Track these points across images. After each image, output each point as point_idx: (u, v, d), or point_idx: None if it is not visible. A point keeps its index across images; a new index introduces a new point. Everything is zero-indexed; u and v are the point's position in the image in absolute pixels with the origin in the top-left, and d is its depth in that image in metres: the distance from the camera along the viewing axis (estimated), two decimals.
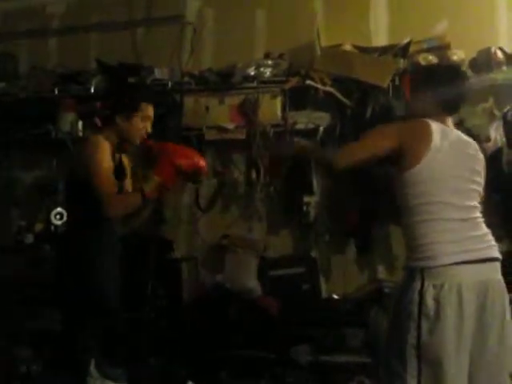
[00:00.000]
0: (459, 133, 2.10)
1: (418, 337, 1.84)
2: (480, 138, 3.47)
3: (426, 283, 1.86)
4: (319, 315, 3.51)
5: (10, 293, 3.70)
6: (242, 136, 3.86)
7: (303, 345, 3.44)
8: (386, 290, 3.62)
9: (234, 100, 3.89)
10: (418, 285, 1.87)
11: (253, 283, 3.75)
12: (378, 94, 3.60)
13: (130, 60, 4.14)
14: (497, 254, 1.98)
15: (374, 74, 3.56)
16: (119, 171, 2.39)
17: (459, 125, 3.49)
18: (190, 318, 3.60)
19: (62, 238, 2.52)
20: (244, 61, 3.92)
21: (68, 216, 2.56)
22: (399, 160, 1.95)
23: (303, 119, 3.79)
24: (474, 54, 3.59)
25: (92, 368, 2.24)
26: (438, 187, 1.93)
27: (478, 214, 2.02)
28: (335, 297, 3.75)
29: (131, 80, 3.92)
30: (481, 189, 2.07)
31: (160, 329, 3.54)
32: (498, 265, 1.98)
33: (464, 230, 1.93)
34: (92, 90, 4.05)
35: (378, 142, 1.98)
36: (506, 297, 1.97)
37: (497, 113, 3.46)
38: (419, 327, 1.84)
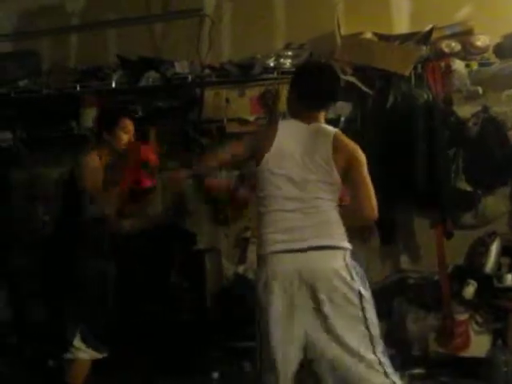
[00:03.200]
0: (316, 125, 2.20)
1: (258, 315, 2.13)
2: (505, 125, 3.43)
3: (258, 269, 2.14)
4: None
5: (37, 287, 3.77)
6: None
7: None
8: (410, 281, 3.59)
9: (254, 91, 3.88)
10: (256, 269, 2.18)
11: None
12: (399, 82, 3.55)
13: (150, 54, 4.16)
14: (325, 242, 2.09)
15: (396, 62, 3.51)
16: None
17: (484, 112, 3.46)
18: (213, 309, 3.62)
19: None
20: (264, 52, 3.90)
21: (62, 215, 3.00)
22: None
23: None
24: (498, 39, 3.52)
25: (77, 340, 2.64)
26: (267, 182, 2.14)
27: (318, 204, 2.11)
28: None
29: (151, 74, 3.95)
30: (330, 179, 2.13)
31: (184, 320, 3.56)
32: (324, 253, 2.08)
33: (290, 220, 2.10)
34: (113, 85, 4.08)
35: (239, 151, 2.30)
36: (336, 280, 2.07)
37: None
38: (258, 307, 2.12)
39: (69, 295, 2.73)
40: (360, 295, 2.07)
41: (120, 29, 4.40)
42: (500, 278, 3.33)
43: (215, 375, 3.43)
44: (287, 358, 2.05)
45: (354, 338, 2.03)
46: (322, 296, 2.04)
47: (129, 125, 2.89)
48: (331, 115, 3.70)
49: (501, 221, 3.55)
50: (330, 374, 2.03)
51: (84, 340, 2.65)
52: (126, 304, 3.05)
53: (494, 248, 3.37)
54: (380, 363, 2.02)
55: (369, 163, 2.13)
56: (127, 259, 3.53)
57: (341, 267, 2.08)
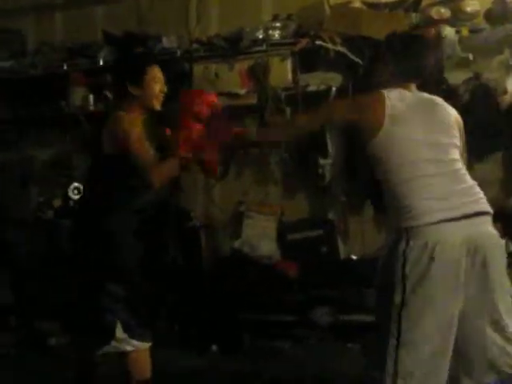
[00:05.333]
0: (419, 93, 2.09)
1: (403, 298, 1.85)
2: (497, 92, 3.42)
3: (411, 243, 1.86)
4: (338, 276, 3.53)
5: (33, 267, 3.79)
6: (253, 101, 3.83)
7: (323, 306, 3.48)
8: None
9: (243, 65, 3.84)
10: (402, 245, 1.87)
11: (271, 248, 3.78)
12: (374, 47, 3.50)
13: (137, 30, 4.10)
14: (485, 207, 1.95)
15: (385, 30, 3.44)
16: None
17: (475, 79, 3.44)
18: (210, 284, 3.65)
19: (83, 209, 2.56)
20: (252, 24, 3.86)
21: (89, 190, 2.55)
22: (363, 133, 1.99)
23: (315, 81, 3.73)
24: (488, 5, 3.49)
25: (118, 331, 2.26)
26: (406, 146, 1.94)
27: (460, 166, 1.99)
28: (353, 258, 3.76)
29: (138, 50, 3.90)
30: (458, 143, 2.03)
31: (181, 296, 3.60)
32: (487, 218, 1.95)
33: (445, 184, 1.92)
34: (101, 63, 4.04)
35: (333, 113, 2.10)
36: (500, 249, 1.96)
37: None
38: (404, 288, 1.85)
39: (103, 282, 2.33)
40: None
41: (106, 4, 4.34)
42: None
43: (214, 348, 3.48)
44: (447, 344, 1.86)
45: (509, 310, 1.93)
46: (490, 265, 1.88)
47: (159, 73, 2.36)
48: (322, 86, 3.72)
49: (493, 186, 3.57)
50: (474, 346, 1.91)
51: (126, 330, 2.27)
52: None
53: None
54: None
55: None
56: None
57: (497, 234, 1.96)
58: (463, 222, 1.87)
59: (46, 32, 4.43)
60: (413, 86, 2.09)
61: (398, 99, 1.98)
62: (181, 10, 4.09)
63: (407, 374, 1.83)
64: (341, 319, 3.45)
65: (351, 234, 3.84)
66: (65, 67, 4.11)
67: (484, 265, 1.89)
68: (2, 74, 4.18)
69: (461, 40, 3.44)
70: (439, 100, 2.10)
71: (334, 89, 3.68)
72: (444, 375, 1.86)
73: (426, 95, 2.10)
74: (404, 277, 1.85)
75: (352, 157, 3.65)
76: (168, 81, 2.43)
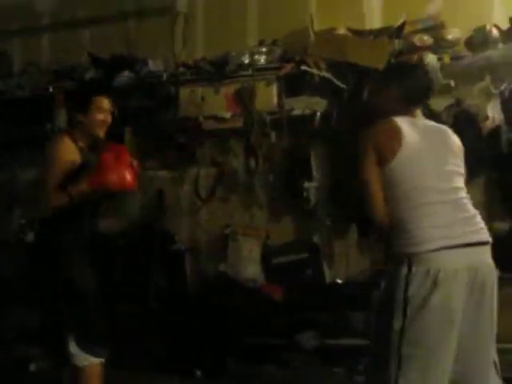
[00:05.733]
0: (427, 121, 2.13)
1: (403, 323, 1.86)
2: (478, 118, 3.48)
3: (414, 269, 1.88)
4: (323, 300, 3.52)
5: (14, 290, 3.73)
6: (239, 124, 3.85)
7: (308, 330, 3.46)
8: None
9: (229, 89, 3.87)
10: (404, 271, 1.89)
11: (255, 271, 3.76)
12: (374, 76, 3.57)
13: (123, 53, 4.12)
14: (486, 237, 1.98)
15: (370, 56, 3.54)
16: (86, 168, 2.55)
17: (457, 105, 3.50)
18: (194, 307, 3.62)
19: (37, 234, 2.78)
20: (238, 49, 3.90)
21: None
22: (379, 159, 2.00)
23: (300, 105, 3.77)
24: (469, 33, 3.57)
25: (72, 347, 2.46)
26: (416, 174, 1.96)
27: (463, 195, 2.02)
28: (338, 281, 3.76)
29: (124, 73, 3.92)
30: (462, 171, 2.07)
31: (165, 319, 3.56)
32: (487, 248, 1.98)
33: (448, 212, 1.94)
34: None
35: (370, 169, 2.01)
36: (496, 280, 1.98)
37: (494, 91, 3.45)
38: (404, 313, 1.86)
39: (58, 301, 2.54)
40: None
41: (93, 27, 4.36)
42: None
43: (198, 373, 3.43)
44: (446, 368, 1.88)
45: (492, 342, 1.98)
46: (487, 295, 1.93)
47: (105, 103, 2.60)
48: (307, 111, 3.76)
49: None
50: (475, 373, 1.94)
51: (80, 346, 2.46)
52: (105, 304, 3.02)
53: None
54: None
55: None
56: (107, 260, 3.52)
57: (493, 264, 1.99)
58: (464, 250, 1.90)
59: (33, 53, 4.43)
60: (419, 113, 2.12)
61: (410, 127, 2.00)
62: (167, 34, 4.12)
63: None
64: (327, 343, 3.43)
65: (336, 258, 3.84)
66: (51, 89, 4.10)
67: (481, 293, 1.92)
68: None
69: (443, 67, 3.51)
70: (446, 128, 2.14)
71: (318, 113, 3.72)
72: None
73: (433, 123, 2.13)
74: (406, 302, 1.87)
75: (338, 181, 3.69)
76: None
